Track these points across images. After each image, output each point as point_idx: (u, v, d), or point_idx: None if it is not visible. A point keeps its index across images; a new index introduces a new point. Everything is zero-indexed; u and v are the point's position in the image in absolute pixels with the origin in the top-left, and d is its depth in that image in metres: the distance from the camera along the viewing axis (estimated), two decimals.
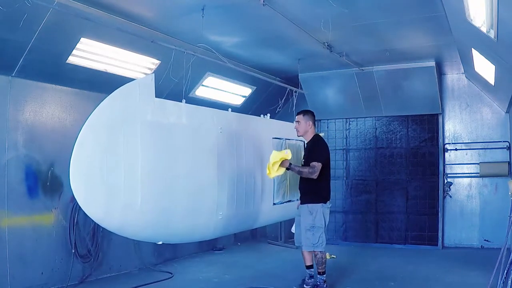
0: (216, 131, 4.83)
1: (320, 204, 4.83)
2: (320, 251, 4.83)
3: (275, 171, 4.68)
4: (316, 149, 4.92)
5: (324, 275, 4.89)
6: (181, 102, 4.49)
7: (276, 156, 4.67)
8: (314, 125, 5.09)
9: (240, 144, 5.17)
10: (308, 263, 5.04)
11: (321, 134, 8.39)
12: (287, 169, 4.76)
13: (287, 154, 4.70)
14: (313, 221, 4.79)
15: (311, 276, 5.05)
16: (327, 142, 4.76)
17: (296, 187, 5.26)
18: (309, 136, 5.04)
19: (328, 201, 4.93)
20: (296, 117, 5.11)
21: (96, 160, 3.61)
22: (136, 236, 4.27)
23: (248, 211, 5.34)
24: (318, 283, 4.88)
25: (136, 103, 3.92)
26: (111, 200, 3.71)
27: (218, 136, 4.84)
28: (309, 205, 4.85)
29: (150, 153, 4.00)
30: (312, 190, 4.87)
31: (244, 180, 5.21)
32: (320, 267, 4.87)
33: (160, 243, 4.40)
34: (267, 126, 5.97)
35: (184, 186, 4.40)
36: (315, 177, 4.74)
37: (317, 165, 4.73)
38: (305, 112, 5.09)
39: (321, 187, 4.87)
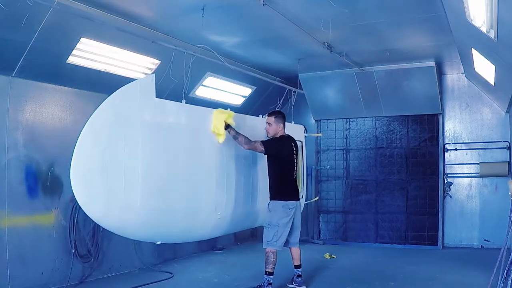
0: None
1: (281, 203, 4.85)
2: (272, 250, 4.78)
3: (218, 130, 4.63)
4: (270, 139, 4.94)
5: (271, 277, 4.78)
6: (181, 102, 4.49)
7: (219, 117, 4.64)
8: (284, 126, 5.05)
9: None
10: (296, 263, 5.10)
11: (320, 135, 8.52)
12: (226, 129, 4.69)
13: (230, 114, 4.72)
14: (270, 219, 4.85)
15: (298, 275, 5.10)
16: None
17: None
18: (278, 136, 5.03)
19: (289, 201, 4.89)
20: (267, 118, 5.05)
21: (96, 160, 3.61)
22: (135, 236, 4.27)
23: (246, 211, 5.34)
24: (262, 284, 4.79)
25: (136, 103, 3.92)
26: (111, 200, 3.71)
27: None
28: (270, 202, 4.93)
29: (150, 153, 4.00)
30: (272, 188, 4.93)
31: (243, 180, 5.21)
32: (267, 266, 4.79)
33: (159, 242, 4.40)
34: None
35: (183, 186, 4.39)
36: (244, 148, 4.76)
37: (257, 143, 4.75)
38: (277, 114, 5.04)
39: (279, 185, 4.89)
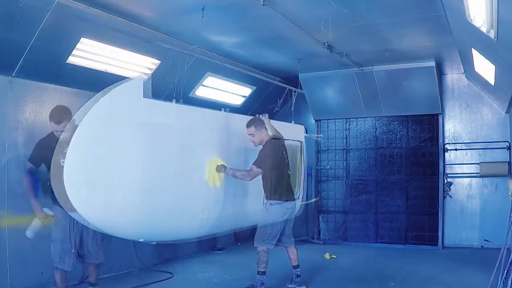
0: (206, 131, 4.78)
1: (275, 202, 4.85)
2: (264, 249, 4.79)
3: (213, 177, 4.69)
4: (260, 153, 4.84)
5: (263, 276, 4.77)
6: (172, 102, 4.46)
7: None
8: (266, 129, 4.98)
9: (232, 144, 5.09)
10: (294, 263, 5.09)
11: (320, 135, 8.51)
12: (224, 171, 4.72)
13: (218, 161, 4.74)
14: (266, 218, 4.86)
15: (298, 276, 5.10)
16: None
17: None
18: (264, 142, 4.96)
19: (286, 201, 4.90)
20: (248, 130, 4.91)
21: (78, 159, 3.57)
22: (117, 234, 4.19)
23: (236, 211, 5.27)
24: (255, 284, 4.79)
25: (122, 102, 3.88)
26: (91, 198, 3.67)
27: (208, 136, 4.78)
28: (266, 202, 4.93)
29: (134, 152, 3.94)
30: (268, 188, 4.92)
31: (234, 180, 5.17)
32: (259, 266, 4.79)
33: (141, 240, 4.38)
34: None
35: (169, 185, 4.34)
36: (249, 180, 4.76)
37: (254, 169, 4.72)
38: (255, 123, 4.93)
39: (275, 186, 4.88)
